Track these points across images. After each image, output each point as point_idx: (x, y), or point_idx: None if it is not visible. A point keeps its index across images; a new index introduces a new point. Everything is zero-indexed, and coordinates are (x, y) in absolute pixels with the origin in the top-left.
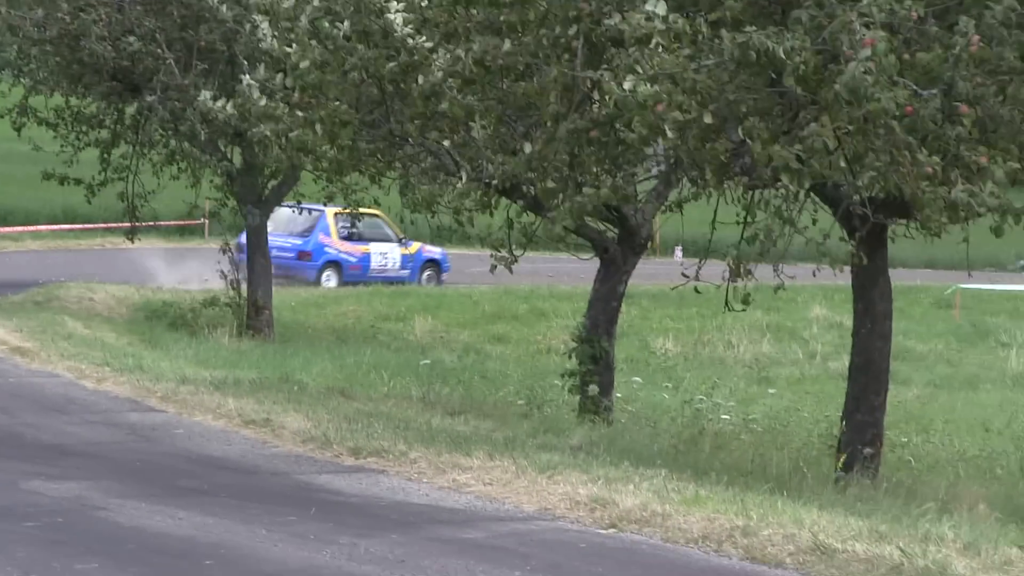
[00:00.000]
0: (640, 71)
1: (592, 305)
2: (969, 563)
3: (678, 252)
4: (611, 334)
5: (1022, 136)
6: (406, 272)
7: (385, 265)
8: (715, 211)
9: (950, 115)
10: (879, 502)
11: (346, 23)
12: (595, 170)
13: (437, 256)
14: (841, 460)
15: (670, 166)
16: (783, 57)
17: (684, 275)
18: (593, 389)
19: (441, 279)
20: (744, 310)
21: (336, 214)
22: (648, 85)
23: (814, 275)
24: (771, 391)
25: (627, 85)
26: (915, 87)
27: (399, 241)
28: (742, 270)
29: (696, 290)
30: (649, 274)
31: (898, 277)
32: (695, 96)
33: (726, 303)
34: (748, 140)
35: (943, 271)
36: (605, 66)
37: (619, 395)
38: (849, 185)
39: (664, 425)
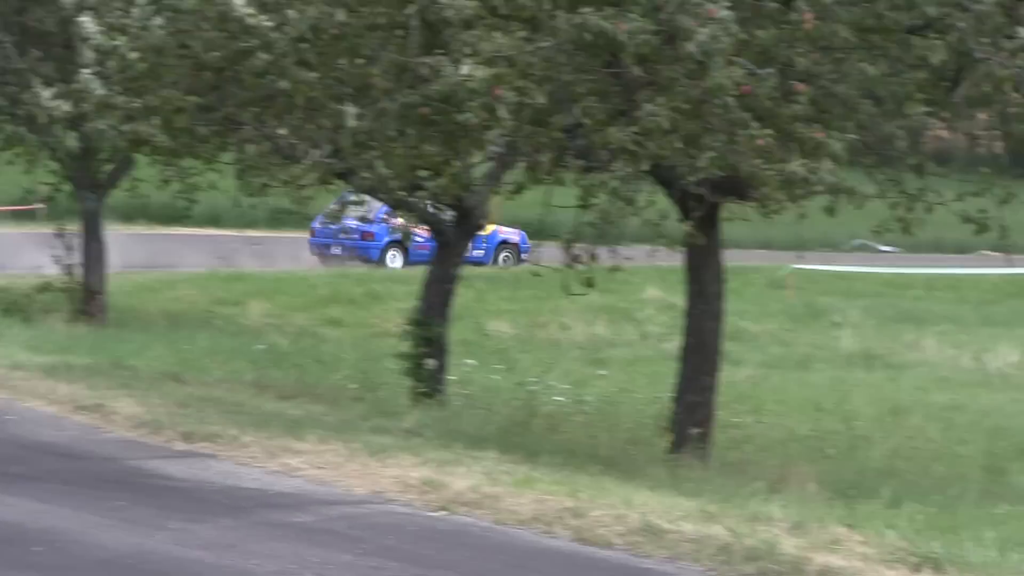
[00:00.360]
0: (476, 54)
1: (427, 288)
2: (797, 542)
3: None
4: (445, 317)
5: (857, 113)
6: (480, 252)
7: None
8: (549, 194)
9: (787, 93)
10: (709, 482)
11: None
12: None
13: (515, 238)
14: (672, 441)
15: (506, 148)
16: (623, 40)
17: (523, 259)
18: (427, 372)
19: (521, 260)
20: (586, 294)
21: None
22: (484, 68)
23: (649, 256)
24: (605, 372)
25: (464, 69)
26: (752, 66)
27: None
28: (583, 255)
29: (535, 274)
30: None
31: (732, 258)
32: (531, 78)
33: (566, 286)
34: (584, 122)
35: (778, 251)
36: (442, 50)
37: (453, 378)
38: (685, 166)
39: (497, 408)
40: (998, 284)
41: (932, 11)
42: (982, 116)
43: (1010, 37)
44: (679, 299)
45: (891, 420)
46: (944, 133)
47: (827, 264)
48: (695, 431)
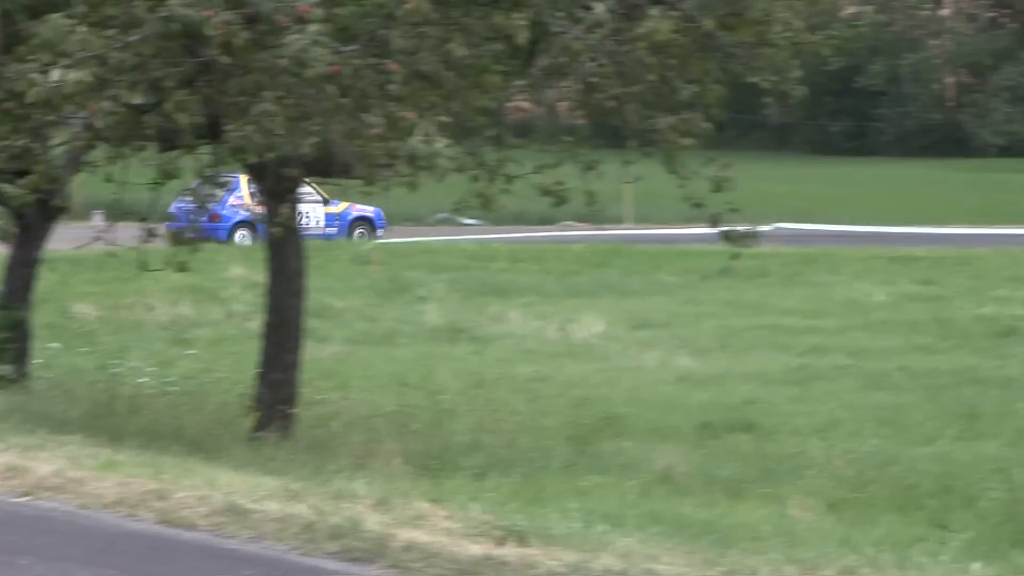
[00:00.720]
0: (65, 55)
1: (9, 272)
2: (381, 518)
3: (97, 216)
4: (28, 301)
5: (443, 87)
6: (333, 230)
7: (307, 224)
8: (124, 173)
9: (381, 72)
10: (295, 461)
11: None
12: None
13: (370, 214)
14: (257, 419)
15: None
16: (211, 32)
17: (98, 237)
18: (10, 354)
19: (376, 235)
20: (163, 270)
21: (249, 180)
22: (76, 72)
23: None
24: (191, 352)
25: (55, 75)
26: (339, 46)
27: (324, 201)
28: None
29: (112, 255)
30: (74, 238)
31: None
32: (123, 76)
33: (142, 264)
34: (176, 115)
35: None
36: (32, 56)
37: (38, 362)
38: (288, 153)
39: (81, 391)
40: (582, 254)
41: None
42: (563, 87)
43: (587, 8)
44: (264, 277)
45: (476, 393)
46: (526, 105)
47: (411, 237)
48: (280, 409)
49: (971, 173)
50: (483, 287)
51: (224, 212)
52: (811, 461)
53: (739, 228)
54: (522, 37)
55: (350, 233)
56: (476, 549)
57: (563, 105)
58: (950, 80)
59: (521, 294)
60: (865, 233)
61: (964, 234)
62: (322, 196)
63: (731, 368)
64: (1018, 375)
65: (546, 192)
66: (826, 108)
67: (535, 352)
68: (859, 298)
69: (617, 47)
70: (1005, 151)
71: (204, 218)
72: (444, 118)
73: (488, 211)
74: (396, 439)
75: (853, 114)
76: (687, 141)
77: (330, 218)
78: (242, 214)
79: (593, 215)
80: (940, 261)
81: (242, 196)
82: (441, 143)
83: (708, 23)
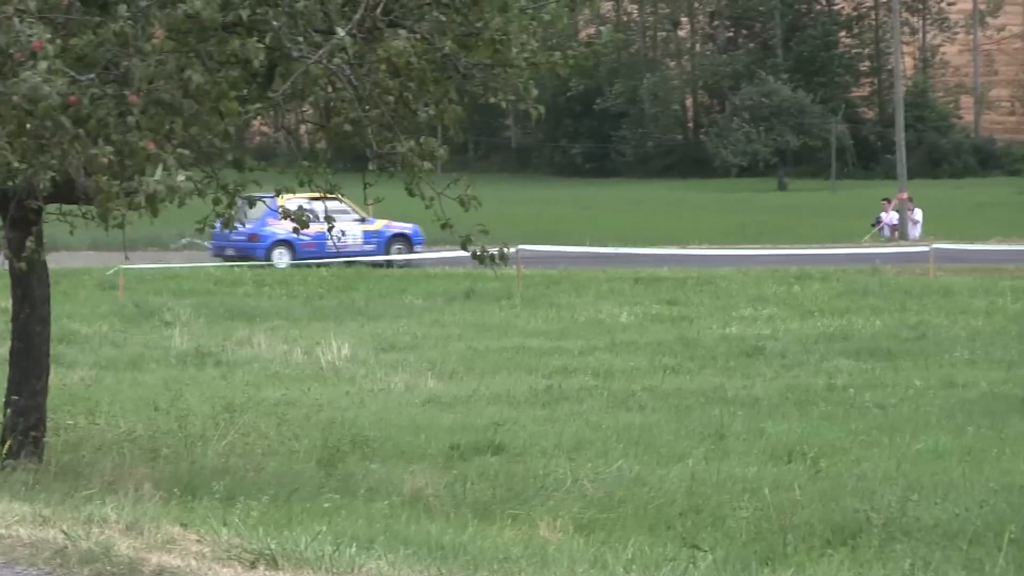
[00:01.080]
0: None
1: None
2: (132, 543)
3: None
4: None
5: (180, 115)
6: (371, 247)
7: (345, 241)
8: None
9: (120, 102)
10: (45, 486)
11: None
12: None
13: (408, 231)
14: (8, 446)
15: None
16: None
17: (415, 251)
18: None
19: (414, 251)
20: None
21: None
22: None
23: None
24: None
25: None
26: (74, 74)
27: (361, 219)
28: None
29: None
30: None
31: (61, 260)
32: None
33: None
34: None
35: (106, 252)
36: None
37: None
38: (25, 184)
39: None
40: (326, 278)
41: (245, 13)
42: (305, 111)
43: (327, 32)
44: (7, 303)
45: (225, 417)
46: (267, 129)
47: (156, 263)
48: (31, 435)
49: (712, 193)
50: (229, 311)
51: (262, 232)
52: (560, 482)
53: (490, 249)
54: (258, 62)
55: (388, 250)
56: (227, 573)
57: (304, 129)
58: (690, 101)
59: (267, 318)
60: (608, 254)
61: (706, 255)
62: (359, 214)
63: (478, 390)
64: (764, 394)
65: (286, 215)
66: (567, 130)
67: (282, 376)
68: (604, 319)
69: (357, 70)
70: (745, 171)
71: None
72: (184, 151)
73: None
74: (146, 463)
75: (594, 136)
76: (427, 165)
77: (368, 235)
78: (281, 234)
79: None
80: (684, 282)
81: (279, 216)
82: (181, 176)
83: (446, 44)
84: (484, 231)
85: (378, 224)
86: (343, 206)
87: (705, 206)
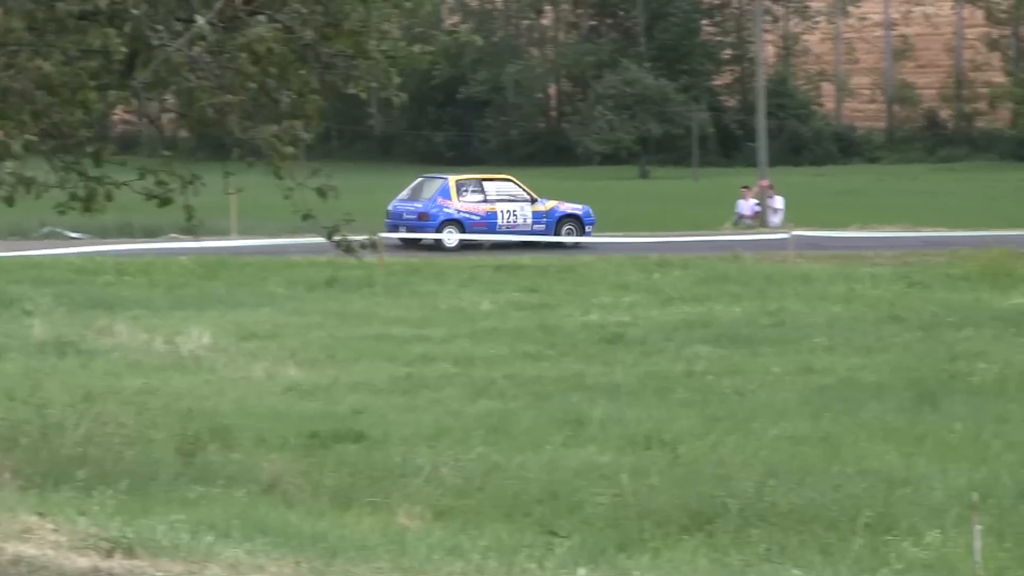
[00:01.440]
0: None
1: None
2: None
3: None
4: None
5: (34, 104)
6: (541, 227)
7: (514, 222)
8: None
9: None
10: None
11: None
12: None
13: (578, 211)
14: None
15: None
16: None
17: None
18: None
19: (586, 232)
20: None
21: (458, 181)
22: None
23: None
24: None
25: None
26: None
27: (531, 200)
28: None
29: None
30: None
31: None
32: None
33: None
34: None
35: None
36: None
37: None
38: None
39: None
40: (188, 267)
41: (104, 3)
42: (164, 99)
43: (187, 21)
44: None
45: (84, 406)
46: (130, 117)
47: (15, 251)
48: None
49: (575, 181)
50: (89, 300)
51: (432, 211)
52: (419, 470)
53: (356, 238)
54: (118, 52)
55: (558, 230)
56: (84, 562)
57: (167, 118)
58: (553, 89)
59: (128, 307)
60: (469, 241)
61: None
62: (530, 195)
63: (338, 378)
64: (624, 381)
65: (151, 196)
66: (430, 119)
67: (143, 365)
68: (465, 307)
69: (218, 58)
70: (608, 159)
71: None
72: (32, 137)
73: (90, 212)
74: (3, 453)
75: (458, 124)
76: (290, 149)
77: (537, 216)
78: (448, 212)
79: (195, 228)
80: (545, 270)
81: (449, 195)
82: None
83: (307, 34)
84: (350, 220)
85: (548, 204)
86: (516, 190)
87: (567, 193)
